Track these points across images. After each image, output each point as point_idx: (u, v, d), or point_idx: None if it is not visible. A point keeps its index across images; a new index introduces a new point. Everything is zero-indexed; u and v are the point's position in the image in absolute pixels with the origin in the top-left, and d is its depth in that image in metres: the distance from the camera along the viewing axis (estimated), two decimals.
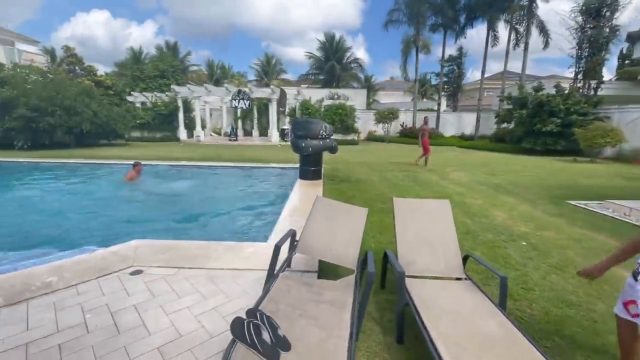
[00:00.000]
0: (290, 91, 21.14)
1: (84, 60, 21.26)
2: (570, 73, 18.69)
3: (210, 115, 25.94)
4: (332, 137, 7.50)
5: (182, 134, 21.09)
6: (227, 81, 33.67)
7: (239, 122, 25.22)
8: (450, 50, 28.45)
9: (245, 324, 1.58)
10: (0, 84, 13.39)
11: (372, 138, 25.09)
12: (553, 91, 16.21)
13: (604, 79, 18.25)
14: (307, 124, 7.05)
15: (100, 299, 2.52)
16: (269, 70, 37.62)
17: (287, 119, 21.93)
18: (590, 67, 17.94)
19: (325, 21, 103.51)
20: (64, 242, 4.07)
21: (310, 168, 7.36)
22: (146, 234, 4.24)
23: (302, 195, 5.94)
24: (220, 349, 1.96)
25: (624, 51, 23.44)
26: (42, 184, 7.58)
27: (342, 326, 1.81)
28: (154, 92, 22.27)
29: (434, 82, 37.25)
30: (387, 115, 22.71)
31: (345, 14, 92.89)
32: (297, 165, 9.55)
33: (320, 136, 7.06)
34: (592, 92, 17.51)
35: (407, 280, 2.28)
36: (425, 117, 11.61)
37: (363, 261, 2.62)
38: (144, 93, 22.03)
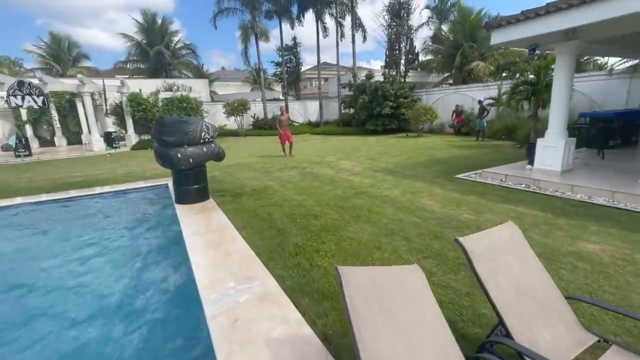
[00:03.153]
0: (110, 82, 16.13)
1: None
2: (377, 63, 22.23)
3: None
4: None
5: None
6: None
7: (28, 129, 17.53)
8: (286, 40, 28.92)
9: None
10: None
11: (224, 133, 22.76)
12: (380, 79, 18.88)
13: (403, 68, 22.80)
14: (180, 125, 4.91)
15: None
16: (61, 55, 28.14)
17: (111, 119, 16.79)
18: (394, 58, 21.97)
19: (127, 1, 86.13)
20: None
21: (191, 187, 5.30)
22: None
23: (203, 235, 4.02)
24: None
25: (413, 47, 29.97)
26: None
27: None
28: None
29: (270, 71, 37.57)
30: (237, 107, 20.96)
31: None
32: (155, 183, 7.05)
33: (203, 140, 5.10)
34: (402, 79, 21.52)
35: None
36: (281, 107, 11.39)
37: None
38: None
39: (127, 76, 26.09)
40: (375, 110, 17.11)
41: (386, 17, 20.55)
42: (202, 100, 20.51)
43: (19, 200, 5.96)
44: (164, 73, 27.59)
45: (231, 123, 22.16)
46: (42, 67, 27.38)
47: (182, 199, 5.30)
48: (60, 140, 17.92)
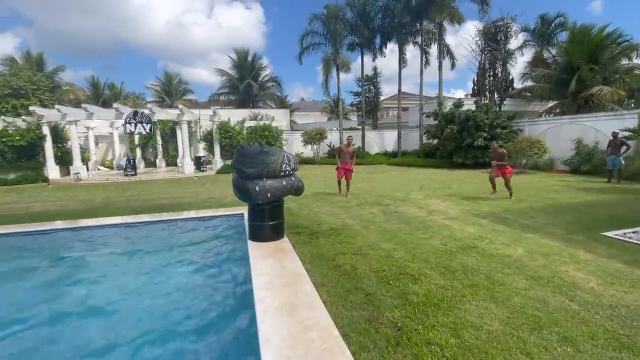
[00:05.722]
0: (205, 112, 17.79)
1: None
2: (460, 93, 20.26)
3: (97, 144, 20.35)
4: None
5: (53, 171, 15.55)
6: (119, 102, 27.89)
7: (138, 151, 20.32)
8: (365, 70, 29.03)
9: None
10: None
11: (300, 161, 23.15)
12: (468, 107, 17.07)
13: (498, 96, 20.36)
14: (261, 156, 4.46)
15: None
16: (172, 90, 32.91)
17: (202, 145, 18.36)
18: (486, 85, 19.80)
19: (228, 43, 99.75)
20: None
21: (266, 223, 4.72)
22: None
23: (276, 290, 3.29)
24: None
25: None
26: None
27: None
28: (3, 117, 16.12)
29: (347, 101, 37.98)
30: (315, 136, 21.19)
31: (248, 36, 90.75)
32: (231, 212, 6.78)
33: (283, 173, 4.55)
34: (496, 108, 19.17)
35: None
36: (348, 137, 9.55)
37: None
38: None
39: (220, 107, 28.97)
40: (465, 141, 15.31)
41: (479, 42, 18.90)
42: (283, 129, 21.29)
43: (104, 221, 6.20)
44: (251, 104, 29.97)
45: (307, 151, 22.47)
46: (156, 100, 32.34)
47: (255, 235, 4.75)
48: (160, 162, 20.24)
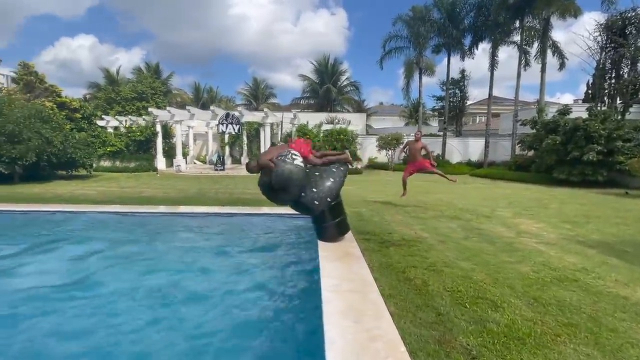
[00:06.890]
0: (286, 115, 18.93)
1: (47, 79, 18.55)
2: (567, 98, 17.30)
3: (195, 141, 23.33)
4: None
5: (160, 162, 18.34)
6: (214, 104, 31.51)
7: (227, 149, 22.64)
8: (451, 73, 27.22)
9: None
10: None
11: (373, 165, 22.85)
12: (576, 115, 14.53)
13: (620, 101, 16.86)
14: (288, 181, 4.47)
15: None
16: (258, 94, 35.80)
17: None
18: (605, 89, 16.58)
19: (312, 48, 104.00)
20: None
21: (329, 222, 4.66)
22: None
23: (343, 293, 3.28)
24: None
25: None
26: None
27: None
28: (129, 116, 19.66)
29: (428, 105, 35.96)
30: (391, 141, 20.67)
31: (331, 42, 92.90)
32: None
33: (302, 164, 4.38)
34: (619, 116, 15.95)
35: None
36: (416, 132, 8.77)
37: None
38: (116, 117, 19.38)
39: (299, 110, 30.44)
40: (571, 154, 13.13)
41: (599, 38, 16.01)
42: (358, 133, 21.34)
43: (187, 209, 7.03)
44: (329, 107, 30.77)
45: (381, 156, 22.05)
46: (245, 103, 35.58)
47: (321, 235, 4.75)
48: (245, 159, 22.18)
